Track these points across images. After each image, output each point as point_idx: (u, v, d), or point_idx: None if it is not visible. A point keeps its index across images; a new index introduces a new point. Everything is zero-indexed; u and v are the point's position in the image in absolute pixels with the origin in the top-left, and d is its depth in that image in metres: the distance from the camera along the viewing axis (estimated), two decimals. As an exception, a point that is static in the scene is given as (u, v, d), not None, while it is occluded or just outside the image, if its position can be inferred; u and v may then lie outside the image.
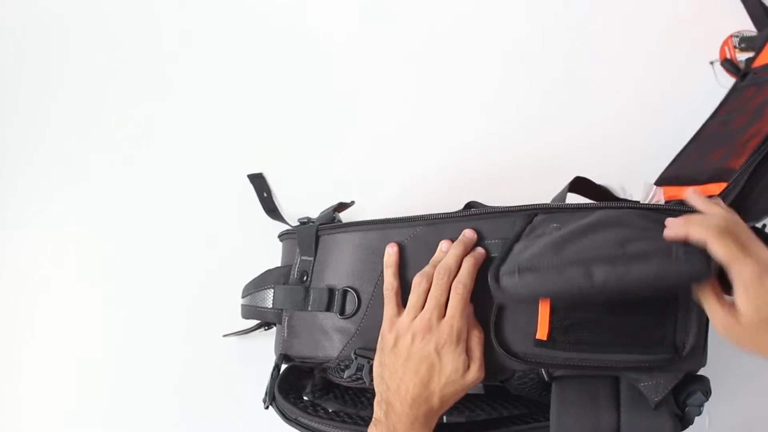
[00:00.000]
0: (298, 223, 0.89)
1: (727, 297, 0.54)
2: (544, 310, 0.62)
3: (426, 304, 0.62)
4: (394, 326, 0.62)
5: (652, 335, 0.61)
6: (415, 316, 0.61)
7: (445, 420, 0.72)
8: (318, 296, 0.70)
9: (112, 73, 1.04)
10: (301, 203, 0.96)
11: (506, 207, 0.66)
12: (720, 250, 0.52)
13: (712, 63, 0.89)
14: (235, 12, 1.03)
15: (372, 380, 0.65)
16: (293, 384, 0.70)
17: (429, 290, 0.62)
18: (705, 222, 0.54)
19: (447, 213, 0.68)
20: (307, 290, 0.71)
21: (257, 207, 0.97)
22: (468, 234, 0.64)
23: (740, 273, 0.52)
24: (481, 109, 0.94)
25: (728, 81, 0.88)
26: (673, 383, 0.62)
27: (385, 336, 0.63)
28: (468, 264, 0.62)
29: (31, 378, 0.97)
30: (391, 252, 0.66)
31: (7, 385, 0.97)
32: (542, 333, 0.62)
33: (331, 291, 0.69)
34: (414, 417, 0.59)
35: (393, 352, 0.61)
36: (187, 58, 1.03)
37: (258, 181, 0.97)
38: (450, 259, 0.63)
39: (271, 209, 0.96)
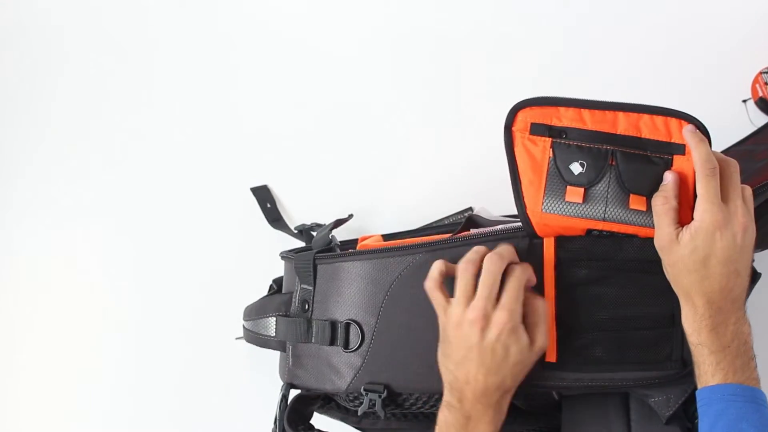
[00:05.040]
0: (296, 232, 0.89)
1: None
2: (551, 334, 0.61)
3: (478, 291, 0.57)
4: (448, 318, 0.58)
5: (660, 351, 0.60)
6: (467, 305, 0.57)
7: None
8: (321, 330, 0.69)
9: (115, 79, 1.03)
10: (305, 212, 0.95)
11: (508, 228, 0.65)
12: (704, 185, 0.54)
13: (744, 101, 0.86)
14: (240, 22, 1.01)
15: (385, 414, 0.66)
16: (301, 413, 0.70)
17: (476, 275, 0.57)
18: (711, 156, 0.55)
19: (447, 239, 0.67)
20: (309, 322, 0.70)
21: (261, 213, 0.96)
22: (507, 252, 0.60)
23: (704, 213, 0.54)
24: (485, 117, 0.92)
25: (760, 120, 0.86)
26: (683, 397, 0.61)
27: (444, 327, 0.59)
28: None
29: (30, 379, 0.98)
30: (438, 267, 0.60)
31: (8, 386, 0.99)
32: (551, 356, 0.61)
33: (333, 324, 0.69)
34: (488, 403, 0.58)
35: (453, 344, 0.58)
36: (190, 66, 1.02)
37: (261, 193, 0.96)
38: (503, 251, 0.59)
39: (275, 219, 0.96)
